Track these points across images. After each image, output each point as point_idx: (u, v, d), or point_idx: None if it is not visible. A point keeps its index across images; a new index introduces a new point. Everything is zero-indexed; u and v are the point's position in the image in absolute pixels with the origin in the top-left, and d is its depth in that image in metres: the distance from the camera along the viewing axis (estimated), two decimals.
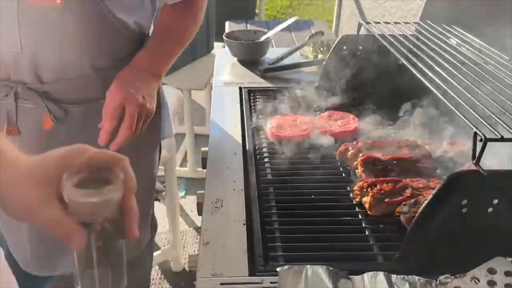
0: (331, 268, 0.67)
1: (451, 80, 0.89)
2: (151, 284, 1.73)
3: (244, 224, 0.88)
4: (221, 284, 0.75)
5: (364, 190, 0.92)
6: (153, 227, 1.50)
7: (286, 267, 0.67)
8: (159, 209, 2.45)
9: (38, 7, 0.96)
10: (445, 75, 0.92)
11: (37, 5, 0.95)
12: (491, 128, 0.71)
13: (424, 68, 0.95)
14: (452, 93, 0.84)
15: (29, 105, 1.04)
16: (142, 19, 1.10)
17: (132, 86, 1.01)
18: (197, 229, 2.37)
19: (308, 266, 0.66)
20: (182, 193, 2.62)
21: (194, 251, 2.24)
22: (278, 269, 0.67)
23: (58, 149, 0.56)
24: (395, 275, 0.69)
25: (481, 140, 0.69)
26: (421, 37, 1.17)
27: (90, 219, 0.52)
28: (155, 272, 2.11)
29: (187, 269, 2.11)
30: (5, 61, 1.01)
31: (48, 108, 1.03)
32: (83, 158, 0.54)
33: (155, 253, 2.04)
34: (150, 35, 1.16)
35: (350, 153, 1.05)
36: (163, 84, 1.28)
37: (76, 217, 0.52)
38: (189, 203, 2.55)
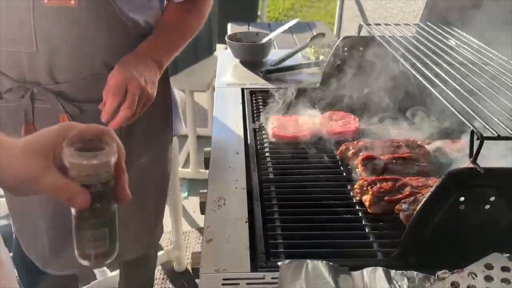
0: (331, 263, 0.69)
1: (449, 80, 0.91)
2: (154, 284, 1.74)
3: (246, 221, 0.89)
4: (223, 279, 0.76)
5: (364, 188, 0.94)
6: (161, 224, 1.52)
7: (287, 261, 0.68)
8: None
9: (53, 8, 0.98)
10: (443, 75, 0.93)
11: (52, 6, 0.97)
12: (488, 127, 0.73)
13: (423, 69, 0.97)
14: (450, 93, 0.86)
15: (45, 105, 1.06)
16: (151, 18, 1.12)
17: (134, 68, 1.01)
18: (200, 230, 2.39)
19: (309, 261, 0.68)
20: (185, 194, 2.64)
21: (199, 249, 2.25)
22: (279, 263, 0.68)
23: (50, 127, 0.61)
24: (393, 270, 0.70)
25: (478, 139, 0.70)
26: (421, 38, 1.19)
27: (89, 181, 0.57)
28: (158, 272, 2.12)
29: (189, 269, 2.13)
30: (21, 62, 1.03)
31: (64, 108, 1.05)
32: (74, 131, 0.59)
33: (158, 254, 2.06)
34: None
35: (350, 152, 1.07)
36: None
37: (76, 180, 0.57)
38: (192, 204, 2.56)
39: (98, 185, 0.58)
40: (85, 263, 0.61)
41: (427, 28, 1.28)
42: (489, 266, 0.69)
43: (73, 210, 0.59)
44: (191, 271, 2.12)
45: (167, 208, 2.17)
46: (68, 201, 0.57)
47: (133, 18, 1.05)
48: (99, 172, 0.58)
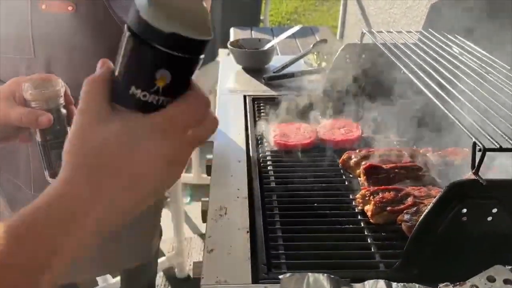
0: (332, 276, 0.69)
1: (451, 90, 0.91)
2: None
3: (247, 231, 0.89)
4: None
5: (367, 198, 0.93)
6: (159, 234, 1.52)
7: (288, 274, 0.68)
8: (164, 216, 2.48)
9: (50, 15, 0.98)
10: (445, 84, 0.93)
11: (49, 13, 0.98)
12: (490, 138, 0.72)
13: (424, 77, 0.96)
14: (452, 102, 0.86)
15: None
16: None
17: None
18: (202, 236, 2.39)
19: (310, 273, 0.67)
20: (187, 200, 2.64)
21: (199, 258, 2.25)
22: (280, 276, 0.68)
23: (5, 83, 0.75)
24: (395, 283, 0.70)
25: (480, 150, 0.70)
26: (423, 46, 1.18)
27: (46, 106, 0.73)
28: (160, 279, 2.12)
29: (191, 275, 2.13)
30: (19, 68, 1.03)
31: None
32: (28, 79, 0.73)
33: (159, 260, 2.06)
34: None
35: (352, 161, 1.07)
36: None
37: (37, 108, 0.73)
38: (194, 209, 2.56)
39: (53, 110, 0.74)
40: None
41: (429, 36, 1.28)
42: (491, 279, 0.69)
43: (38, 138, 0.75)
44: (192, 278, 2.13)
45: (169, 214, 2.18)
46: (36, 124, 0.71)
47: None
48: (52, 100, 0.74)
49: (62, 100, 0.76)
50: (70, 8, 0.98)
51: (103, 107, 0.44)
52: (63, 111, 0.76)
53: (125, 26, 0.42)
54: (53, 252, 0.41)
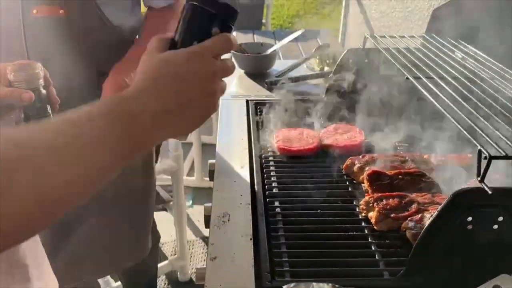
0: (337, 286, 0.68)
1: (454, 95, 0.90)
2: None
3: (251, 238, 0.89)
4: None
5: (370, 205, 0.93)
6: (156, 236, 1.52)
7: (292, 284, 0.67)
8: (166, 219, 2.48)
9: (42, 19, 0.99)
10: (449, 89, 0.93)
11: (41, 16, 0.99)
12: (495, 146, 0.72)
13: (427, 82, 0.96)
14: (455, 108, 0.85)
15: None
16: (137, 24, 1.14)
17: (128, 76, 1.09)
18: (204, 239, 2.38)
19: (315, 283, 0.67)
20: (189, 203, 2.64)
21: (201, 261, 2.25)
22: (284, 286, 0.67)
23: None
24: None
25: (485, 158, 0.69)
26: (426, 51, 1.18)
27: (27, 86, 0.82)
28: (162, 282, 2.12)
29: (194, 279, 2.12)
30: None
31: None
32: (11, 64, 0.83)
33: (162, 263, 2.05)
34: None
35: (356, 167, 1.06)
36: None
37: (21, 88, 0.82)
38: (196, 212, 2.56)
39: (34, 90, 0.82)
40: None
41: (432, 40, 1.28)
42: None
43: (22, 114, 0.83)
44: (195, 283, 2.12)
45: (171, 217, 2.17)
46: (20, 100, 0.80)
47: (119, 25, 1.08)
48: (32, 80, 0.82)
49: (42, 81, 0.84)
50: (61, 11, 0.99)
51: (164, 47, 0.61)
52: (43, 91, 0.84)
53: (188, 3, 0.61)
54: (131, 141, 0.54)
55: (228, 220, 0.94)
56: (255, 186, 1.05)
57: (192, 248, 2.34)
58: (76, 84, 1.07)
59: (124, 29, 1.11)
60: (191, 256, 2.27)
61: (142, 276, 1.59)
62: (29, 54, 1.02)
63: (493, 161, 0.68)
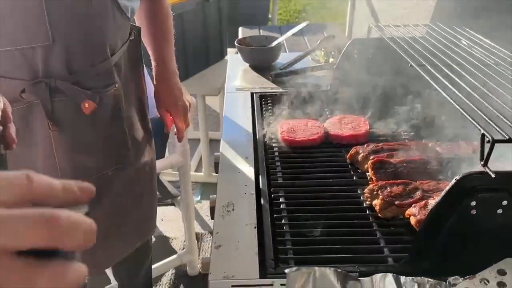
0: (339, 270, 0.68)
1: (459, 82, 0.90)
2: None
3: (255, 227, 0.89)
4: (232, 286, 0.76)
5: (375, 192, 0.93)
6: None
7: (294, 268, 0.68)
8: (175, 214, 2.49)
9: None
10: (454, 76, 0.92)
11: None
12: (498, 129, 0.71)
13: (432, 70, 0.95)
14: (460, 95, 0.84)
15: (62, 97, 1.05)
16: (136, 6, 1.17)
17: (175, 85, 1.30)
18: (212, 233, 2.39)
19: (317, 268, 0.67)
20: (197, 198, 2.65)
21: (209, 255, 2.25)
22: (286, 270, 0.68)
23: None
24: (404, 277, 0.69)
25: (488, 142, 0.69)
26: (431, 39, 1.17)
27: None
28: (171, 276, 2.13)
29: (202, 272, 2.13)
30: (34, 60, 1.02)
31: (85, 95, 1.05)
32: None
33: (171, 257, 2.06)
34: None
35: (360, 156, 1.06)
36: None
37: None
38: (205, 207, 2.57)
39: None
40: None
41: (437, 29, 1.27)
42: (501, 272, 0.68)
43: None
44: (202, 274, 2.13)
45: (179, 212, 2.18)
46: None
47: (126, 5, 1.10)
48: None
49: None
50: None
51: None
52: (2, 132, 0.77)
53: None
54: None
55: (233, 210, 0.95)
56: (260, 176, 1.05)
57: (201, 243, 2.34)
58: (95, 63, 1.07)
59: (129, 9, 1.13)
60: (199, 250, 2.28)
61: (135, 261, 1.57)
62: (54, 36, 0.99)
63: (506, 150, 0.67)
